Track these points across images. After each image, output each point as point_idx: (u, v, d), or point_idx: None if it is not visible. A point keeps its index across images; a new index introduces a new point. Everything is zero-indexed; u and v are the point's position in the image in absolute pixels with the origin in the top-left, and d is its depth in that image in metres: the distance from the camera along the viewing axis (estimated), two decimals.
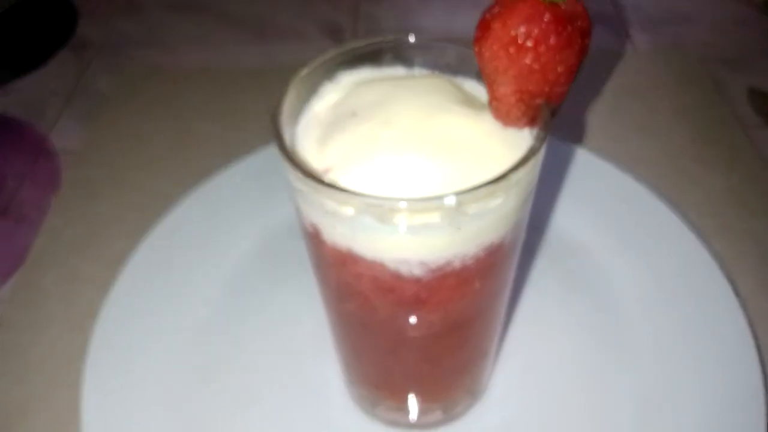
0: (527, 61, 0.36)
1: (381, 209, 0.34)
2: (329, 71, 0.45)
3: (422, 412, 0.54)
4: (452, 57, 0.45)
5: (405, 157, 0.38)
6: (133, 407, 0.56)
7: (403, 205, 0.34)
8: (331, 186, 0.35)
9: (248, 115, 0.88)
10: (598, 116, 0.86)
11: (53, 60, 1.01)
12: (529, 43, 0.36)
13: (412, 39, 0.45)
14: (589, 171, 0.73)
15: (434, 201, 0.34)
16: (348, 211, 0.36)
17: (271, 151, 0.38)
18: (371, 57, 0.45)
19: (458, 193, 0.34)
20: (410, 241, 0.37)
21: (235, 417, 0.56)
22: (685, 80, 0.90)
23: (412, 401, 0.53)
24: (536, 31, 0.35)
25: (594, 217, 0.69)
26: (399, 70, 0.46)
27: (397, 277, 0.39)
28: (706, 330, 0.59)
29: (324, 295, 0.47)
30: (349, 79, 0.45)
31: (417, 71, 0.47)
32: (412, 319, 0.42)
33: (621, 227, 0.68)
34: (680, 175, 0.77)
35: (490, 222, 0.38)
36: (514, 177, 0.35)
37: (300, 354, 0.61)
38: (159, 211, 0.72)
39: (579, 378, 0.58)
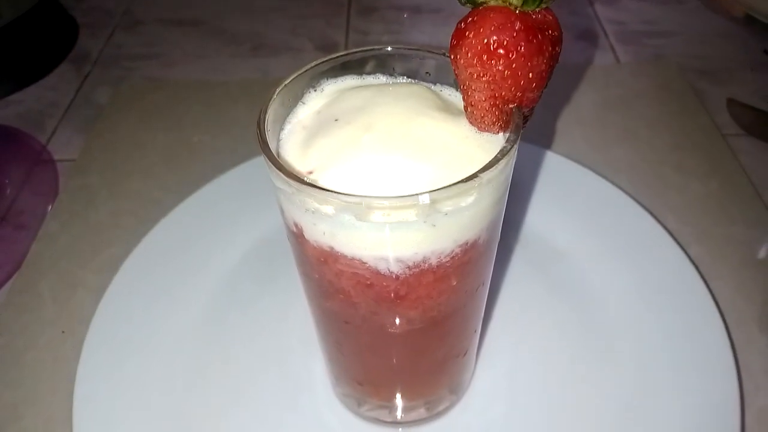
0: (499, 67, 0.38)
1: (359, 207, 0.36)
2: (313, 80, 0.47)
3: (406, 409, 0.56)
4: (430, 65, 0.47)
5: (384, 160, 0.40)
6: (125, 406, 0.58)
7: (379, 202, 0.36)
8: (311, 185, 0.37)
9: (242, 126, 0.91)
10: (582, 126, 0.88)
11: (54, 72, 1.03)
12: (501, 51, 0.38)
13: (391, 48, 0.47)
14: (572, 178, 0.75)
15: (409, 198, 0.36)
16: (328, 209, 0.38)
17: (261, 161, 0.40)
18: (353, 66, 0.48)
19: (432, 191, 0.36)
20: (388, 238, 0.39)
21: (224, 416, 0.58)
22: (667, 91, 0.93)
23: (396, 398, 0.55)
24: (507, 39, 0.37)
25: (575, 223, 0.71)
26: (380, 79, 0.49)
27: (376, 273, 0.40)
28: (683, 331, 0.61)
29: (308, 293, 0.49)
30: (332, 87, 0.47)
31: (397, 79, 0.49)
32: (392, 315, 0.44)
33: (601, 232, 0.70)
34: (661, 182, 0.79)
35: (464, 220, 0.39)
36: (486, 176, 0.37)
37: (287, 357, 0.62)
38: (153, 218, 0.74)
39: (559, 377, 0.60)
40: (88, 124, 0.93)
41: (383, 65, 0.48)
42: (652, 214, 0.71)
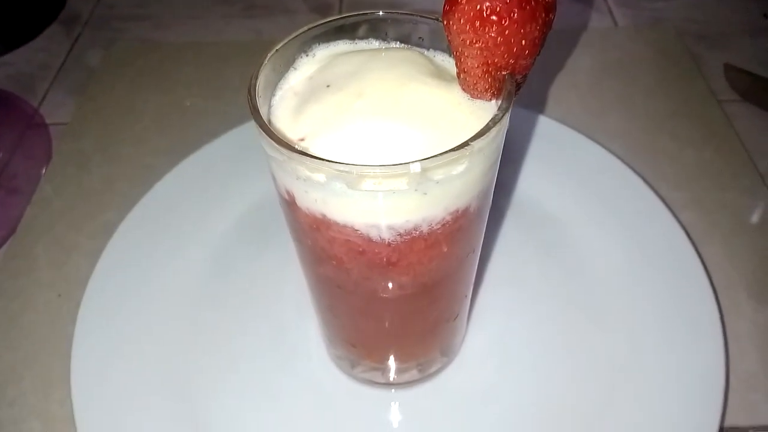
0: (492, 34, 0.38)
1: (350, 175, 0.36)
2: (305, 45, 0.46)
3: (398, 371, 0.57)
4: (424, 30, 0.47)
5: (375, 126, 0.40)
6: (121, 371, 0.58)
7: (370, 171, 0.36)
8: (303, 153, 0.36)
9: (234, 89, 0.90)
10: (577, 90, 0.87)
11: (43, 34, 1.02)
12: (494, 17, 0.37)
13: (383, 13, 0.46)
14: (565, 143, 0.75)
15: (400, 167, 0.36)
16: (319, 177, 0.38)
17: (254, 126, 0.40)
18: (346, 30, 0.47)
19: (423, 160, 0.36)
20: (379, 206, 0.39)
21: (219, 377, 0.59)
22: (664, 56, 0.92)
23: (388, 360, 0.56)
24: (500, 5, 0.37)
25: (568, 188, 0.71)
26: (373, 44, 0.48)
27: (368, 240, 0.41)
28: (672, 296, 0.61)
29: (301, 259, 0.49)
30: (324, 53, 0.47)
31: (390, 44, 0.48)
32: (384, 281, 0.45)
33: (593, 197, 0.70)
34: (655, 149, 0.79)
35: (455, 188, 0.40)
36: (477, 145, 0.37)
37: (282, 319, 0.63)
38: (147, 182, 0.74)
39: (549, 339, 0.61)
40: (79, 86, 0.92)
41: (376, 30, 0.48)
42: (644, 179, 0.71)
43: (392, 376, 0.57)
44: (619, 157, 0.73)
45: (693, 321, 0.59)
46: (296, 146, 0.38)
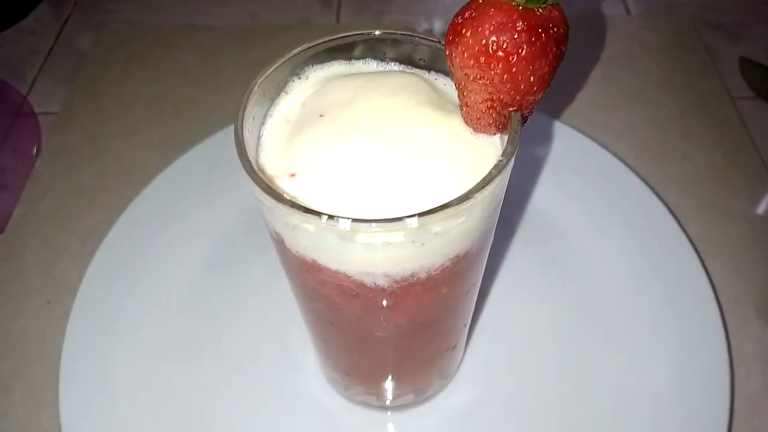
0: (498, 71, 0.35)
1: (342, 230, 0.34)
2: (297, 67, 0.43)
3: (395, 396, 0.55)
4: (424, 52, 0.44)
5: (371, 164, 0.38)
6: (112, 382, 0.57)
7: (364, 226, 0.33)
8: (293, 204, 0.34)
9: (228, 77, 0.87)
10: (587, 84, 0.84)
11: (31, 15, 0.98)
12: (500, 54, 0.34)
13: (380, 32, 0.43)
14: (570, 147, 0.72)
15: (396, 223, 0.33)
16: (309, 227, 0.35)
17: None
18: (341, 51, 0.44)
19: (421, 215, 0.33)
20: (373, 257, 0.36)
21: (212, 390, 0.58)
22: (678, 47, 0.88)
23: (384, 387, 0.54)
24: (508, 40, 0.34)
25: (572, 197, 0.69)
26: (370, 65, 0.45)
27: (362, 285, 0.39)
28: (678, 316, 0.60)
29: (294, 293, 0.47)
30: (318, 75, 0.44)
31: (389, 66, 0.45)
32: (379, 321, 0.43)
33: (600, 208, 0.67)
34: (664, 150, 0.76)
35: (454, 236, 0.37)
36: (479, 196, 0.34)
37: (280, 333, 0.61)
38: (139, 179, 0.72)
39: (547, 358, 0.59)
40: (69, 73, 0.89)
41: (373, 50, 0.45)
42: (652, 187, 0.68)
43: (388, 400, 0.56)
44: (627, 164, 0.70)
45: (699, 344, 0.58)
46: (285, 193, 0.36)
